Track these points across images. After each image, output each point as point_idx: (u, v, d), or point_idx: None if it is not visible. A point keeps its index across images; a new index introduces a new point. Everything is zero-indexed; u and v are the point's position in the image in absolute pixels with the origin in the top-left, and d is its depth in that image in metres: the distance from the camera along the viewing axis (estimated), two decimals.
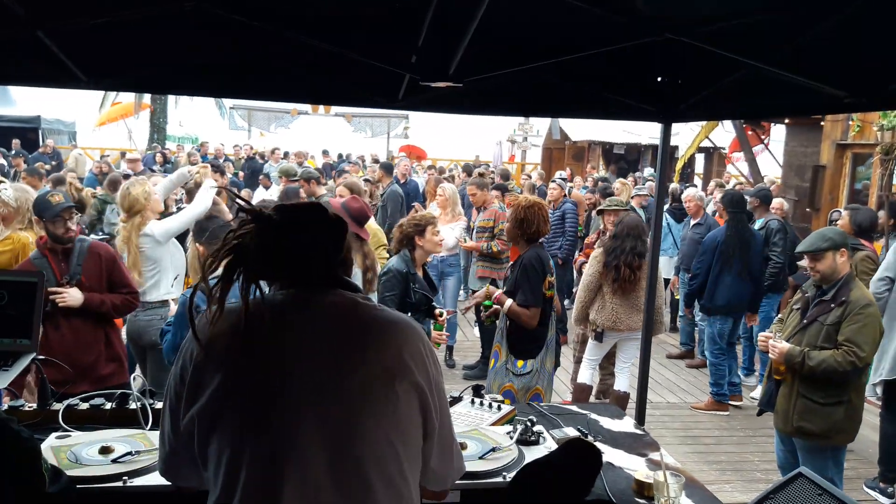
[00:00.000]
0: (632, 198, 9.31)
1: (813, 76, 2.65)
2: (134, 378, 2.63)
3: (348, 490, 1.41)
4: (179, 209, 6.01)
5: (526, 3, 2.56)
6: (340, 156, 19.74)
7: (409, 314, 4.32)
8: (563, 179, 11.46)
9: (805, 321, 3.85)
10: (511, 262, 4.71)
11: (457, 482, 2.15)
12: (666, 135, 3.81)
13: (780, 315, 4.33)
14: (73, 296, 3.82)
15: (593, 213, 8.87)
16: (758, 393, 6.75)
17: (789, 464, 3.97)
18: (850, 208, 6.05)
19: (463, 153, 23.19)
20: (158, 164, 15.42)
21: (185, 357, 1.50)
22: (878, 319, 3.77)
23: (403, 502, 1.48)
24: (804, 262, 5.88)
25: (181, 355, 1.52)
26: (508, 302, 4.25)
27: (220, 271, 1.46)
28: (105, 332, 4.02)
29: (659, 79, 3.49)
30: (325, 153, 19.36)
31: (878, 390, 5.01)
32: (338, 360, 1.47)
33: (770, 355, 3.88)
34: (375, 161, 15.93)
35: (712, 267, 6.59)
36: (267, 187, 10.01)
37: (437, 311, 4.49)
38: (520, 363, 4.26)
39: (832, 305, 3.75)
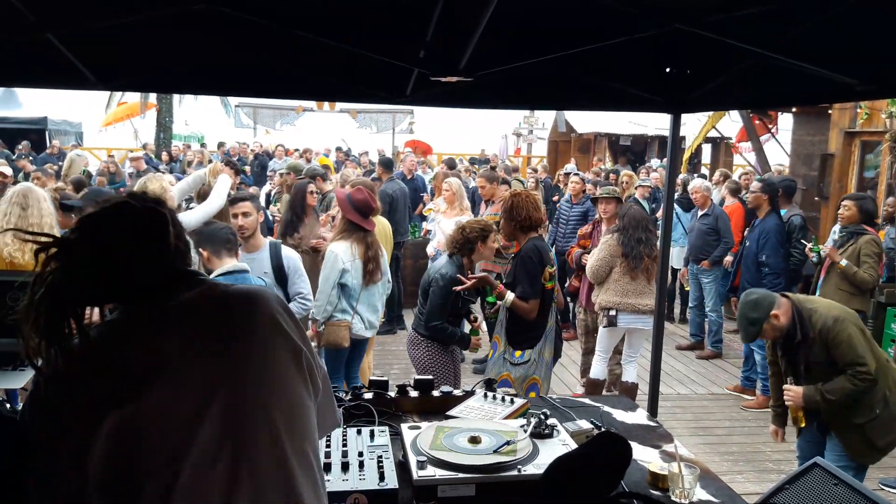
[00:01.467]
0: (636, 188, 9.28)
1: (823, 64, 2.63)
2: None
3: (277, 483, 1.35)
4: (189, 209, 6.04)
5: None
6: (348, 152, 19.85)
7: (451, 319, 4.37)
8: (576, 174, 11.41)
9: (803, 368, 3.69)
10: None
11: (471, 475, 2.17)
12: (675, 126, 3.80)
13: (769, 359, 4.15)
14: None
15: None
16: None
17: (813, 454, 3.93)
18: (852, 197, 6.08)
19: (468, 147, 23.14)
20: (164, 163, 15.47)
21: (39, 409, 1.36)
22: (854, 324, 3.60)
23: (315, 474, 1.43)
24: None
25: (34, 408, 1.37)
26: (510, 295, 4.28)
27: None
28: None
29: (668, 69, 3.48)
30: (338, 150, 19.46)
31: None
32: (224, 355, 1.39)
33: (787, 402, 3.72)
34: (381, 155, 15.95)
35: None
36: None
37: (472, 316, 4.52)
38: (517, 353, 4.30)
39: (809, 343, 3.60)
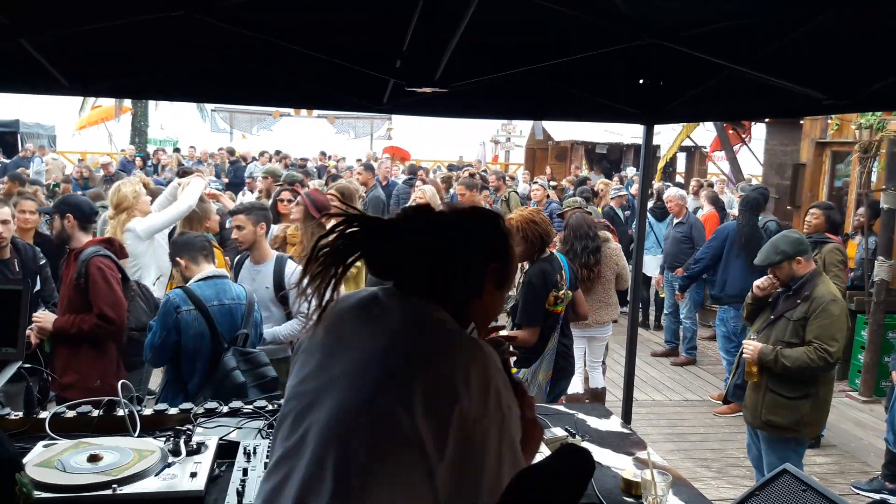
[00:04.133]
0: (612, 199, 9.36)
1: (793, 79, 2.69)
2: (121, 384, 2.61)
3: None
4: None
5: (511, 7, 2.58)
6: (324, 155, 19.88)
7: None
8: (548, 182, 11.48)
9: (773, 316, 3.90)
10: None
11: None
12: (648, 136, 3.85)
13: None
14: (44, 319, 3.82)
15: None
16: None
17: (760, 458, 4.02)
18: (820, 206, 6.22)
19: (446, 154, 23.20)
20: (138, 168, 15.29)
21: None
22: (845, 315, 3.82)
23: None
24: None
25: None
26: (503, 333, 4.15)
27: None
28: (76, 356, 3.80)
29: (641, 81, 3.53)
30: (322, 154, 19.43)
31: None
32: (366, 386, 1.29)
33: (745, 356, 3.90)
34: (358, 161, 15.94)
35: (723, 256, 6.81)
36: (253, 189, 9.94)
37: None
38: (513, 370, 4.23)
39: (798, 301, 3.80)
